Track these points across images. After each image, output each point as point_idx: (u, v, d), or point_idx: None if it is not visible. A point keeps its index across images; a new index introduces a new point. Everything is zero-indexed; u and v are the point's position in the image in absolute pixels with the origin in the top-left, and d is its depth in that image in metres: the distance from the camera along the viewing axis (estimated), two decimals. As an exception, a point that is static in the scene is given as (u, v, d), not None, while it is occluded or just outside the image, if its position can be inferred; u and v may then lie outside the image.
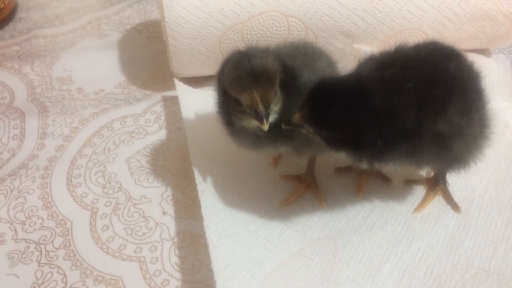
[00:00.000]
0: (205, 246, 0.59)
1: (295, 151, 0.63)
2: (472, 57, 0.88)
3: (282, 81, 0.56)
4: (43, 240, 0.66)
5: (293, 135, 0.58)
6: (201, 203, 0.63)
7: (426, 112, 0.51)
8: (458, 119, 0.52)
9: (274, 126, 0.56)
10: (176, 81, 0.84)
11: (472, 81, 0.56)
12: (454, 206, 0.66)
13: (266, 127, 0.54)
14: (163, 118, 0.85)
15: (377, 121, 0.50)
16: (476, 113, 0.56)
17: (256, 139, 0.58)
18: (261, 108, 0.53)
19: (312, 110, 0.52)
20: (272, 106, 0.55)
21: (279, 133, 0.57)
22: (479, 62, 0.87)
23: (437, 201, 0.67)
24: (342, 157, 0.60)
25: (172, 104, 0.87)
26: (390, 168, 0.70)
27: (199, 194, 0.64)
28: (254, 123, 0.55)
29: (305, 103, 0.53)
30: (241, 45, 0.81)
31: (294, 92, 0.57)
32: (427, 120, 0.51)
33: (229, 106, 0.58)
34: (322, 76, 0.57)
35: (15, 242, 0.66)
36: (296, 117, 0.54)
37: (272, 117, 0.56)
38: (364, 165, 0.55)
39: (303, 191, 0.69)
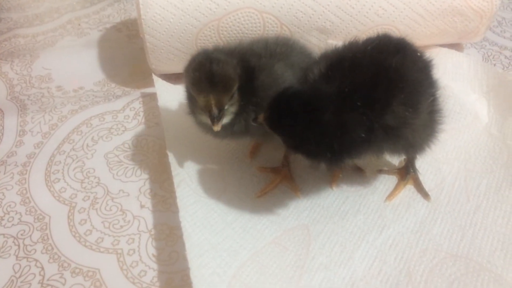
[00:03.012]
0: (182, 237, 0.60)
1: (259, 140, 0.69)
2: (443, 52, 0.92)
3: (242, 84, 0.59)
4: (21, 235, 0.67)
5: (249, 130, 0.62)
6: (177, 194, 0.64)
7: (374, 108, 0.54)
8: (404, 110, 0.55)
9: (230, 123, 0.61)
10: (155, 77, 0.85)
11: (417, 73, 0.58)
12: (425, 195, 0.68)
13: (216, 128, 0.58)
14: (141, 114, 0.86)
15: (327, 136, 0.53)
16: (423, 103, 0.58)
17: (215, 132, 0.62)
18: (214, 111, 0.57)
19: (270, 114, 0.56)
20: (228, 107, 0.59)
21: (233, 129, 0.62)
22: (450, 56, 0.90)
23: (408, 190, 0.69)
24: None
25: (151, 101, 0.89)
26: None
27: (175, 186, 0.65)
28: (208, 121, 0.59)
29: (267, 106, 0.56)
30: (217, 41, 0.83)
31: (251, 93, 0.61)
32: (376, 115, 0.54)
33: (191, 101, 0.62)
34: (287, 83, 0.61)
35: (-7, 237, 0.67)
36: (260, 117, 0.57)
37: (228, 118, 0.60)
38: (322, 168, 0.59)
39: (278, 182, 0.70)
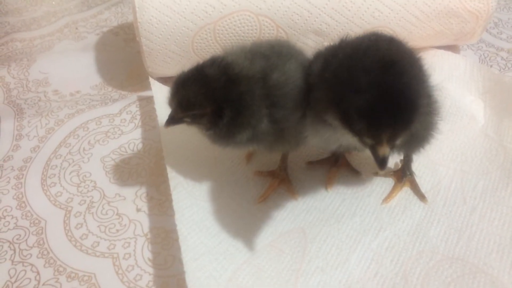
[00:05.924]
0: (178, 241, 0.60)
1: (266, 150, 0.66)
2: (440, 54, 0.92)
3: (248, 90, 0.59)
4: (17, 239, 0.67)
5: (257, 138, 0.61)
6: (173, 197, 0.64)
7: None
8: None
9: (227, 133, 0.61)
10: (151, 80, 0.85)
11: (403, 88, 0.54)
12: (421, 197, 0.68)
13: (165, 125, 0.65)
14: (138, 117, 0.86)
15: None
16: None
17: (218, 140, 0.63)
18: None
19: None
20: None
21: (238, 138, 0.60)
22: (446, 58, 0.91)
23: (405, 192, 0.69)
24: (313, 151, 0.70)
25: (147, 104, 0.88)
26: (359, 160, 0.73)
27: (171, 189, 0.65)
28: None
29: None
30: (214, 44, 0.83)
31: (264, 95, 0.59)
32: None
33: None
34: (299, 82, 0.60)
35: (-11, 242, 0.67)
36: None
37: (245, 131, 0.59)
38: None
39: (277, 185, 0.70)
